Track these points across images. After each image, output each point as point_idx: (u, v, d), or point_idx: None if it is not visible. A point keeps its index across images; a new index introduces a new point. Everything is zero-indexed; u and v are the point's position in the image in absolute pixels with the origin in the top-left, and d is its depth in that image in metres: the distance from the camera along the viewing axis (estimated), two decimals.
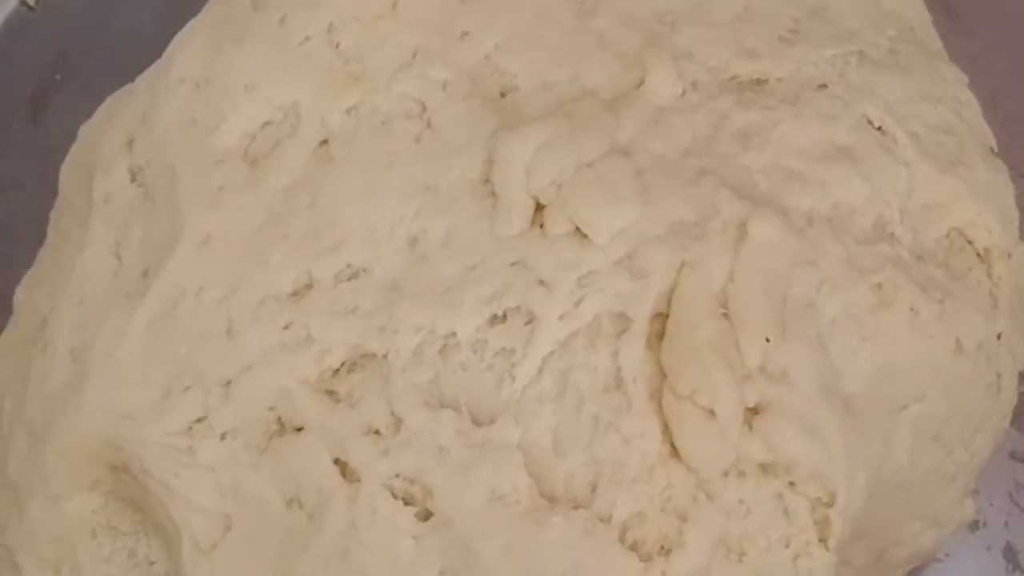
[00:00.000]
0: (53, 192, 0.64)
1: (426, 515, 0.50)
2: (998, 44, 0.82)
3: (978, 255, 0.59)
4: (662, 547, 0.49)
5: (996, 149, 0.62)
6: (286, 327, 0.52)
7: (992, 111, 0.65)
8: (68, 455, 0.54)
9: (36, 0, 0.83)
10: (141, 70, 0.62)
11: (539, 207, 0.53)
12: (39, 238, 0.65)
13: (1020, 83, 0.81)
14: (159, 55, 0.61)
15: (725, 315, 0.51)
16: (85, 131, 0.63)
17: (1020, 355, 0.58)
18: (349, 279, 0.53)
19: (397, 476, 0.50)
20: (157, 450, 0.52)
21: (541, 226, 0.53)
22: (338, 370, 0.52)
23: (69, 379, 0.54)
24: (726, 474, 0.50)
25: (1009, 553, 0.70)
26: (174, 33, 0.61)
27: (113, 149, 0.58)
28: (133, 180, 0.58)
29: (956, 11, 0.82)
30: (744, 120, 0.57)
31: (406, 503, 0.50)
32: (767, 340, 0.51)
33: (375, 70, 0.56)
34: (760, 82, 0.59)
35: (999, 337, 0.58)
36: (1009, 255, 0.59)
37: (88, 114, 0.64)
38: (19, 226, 0.75)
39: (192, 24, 0.60)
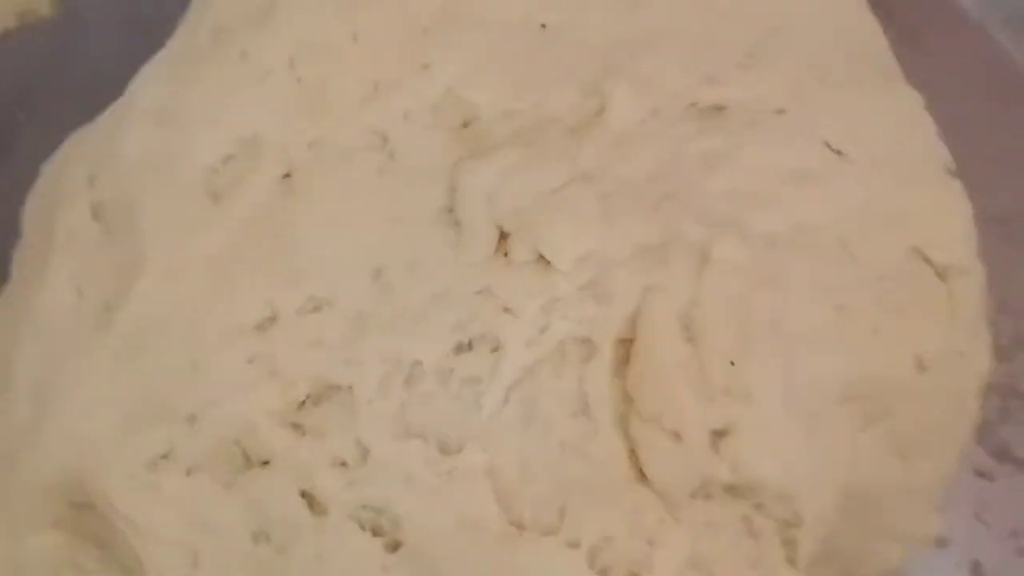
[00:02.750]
0: (15, 232, 0.64)
1: (395, 545, 0.49)
2: (955, 66, 0.84)
3: (937, 273, 0.59)
4: (631, 571, 0.49)
5: (954, 168, 0.63)
6: (250, 360, 0.52)
7: (952, 131, 0.66)
8: (31, 491, 0.53)
9: None
10: (104, 107, 0.61)
11: (503, 234, 0.53)
12: (2, 278, 0.64)
13: (976, 104, 0.82)
14: (122, 92, 0.61)
15: (690, 338, 0.52)
16: (46, 169, 0.62)
17: (981, 372, 0.59)
18: (313, 311, 0.53)
19: (364, 507, 0.50)
20: (122, 485, 0.51)
21: (506, 254, 0.53)
22: (303, 402, 0.52)
23: (31, 416, 0.54)
24: (693, 496, 0.50)
25: (976, 570, 0.70)
26: (136, 69, 0.60)
27: (74, 186, 0.58)
28: (95, 217, 0.57)
29: (914, 33, 0.83)
30: (705, 145, 0.57)
31: (374, 534, 0.49)
32: (731, 363, 0.52)
33: (337, 102, 0.56)
34: (719, 108, 0.59)
35: (960, 354, 0.58)
36: (967, 273, 0.59)
37: (51, 152, 0.64)
38: None
39: (153, 60, 0.60)
